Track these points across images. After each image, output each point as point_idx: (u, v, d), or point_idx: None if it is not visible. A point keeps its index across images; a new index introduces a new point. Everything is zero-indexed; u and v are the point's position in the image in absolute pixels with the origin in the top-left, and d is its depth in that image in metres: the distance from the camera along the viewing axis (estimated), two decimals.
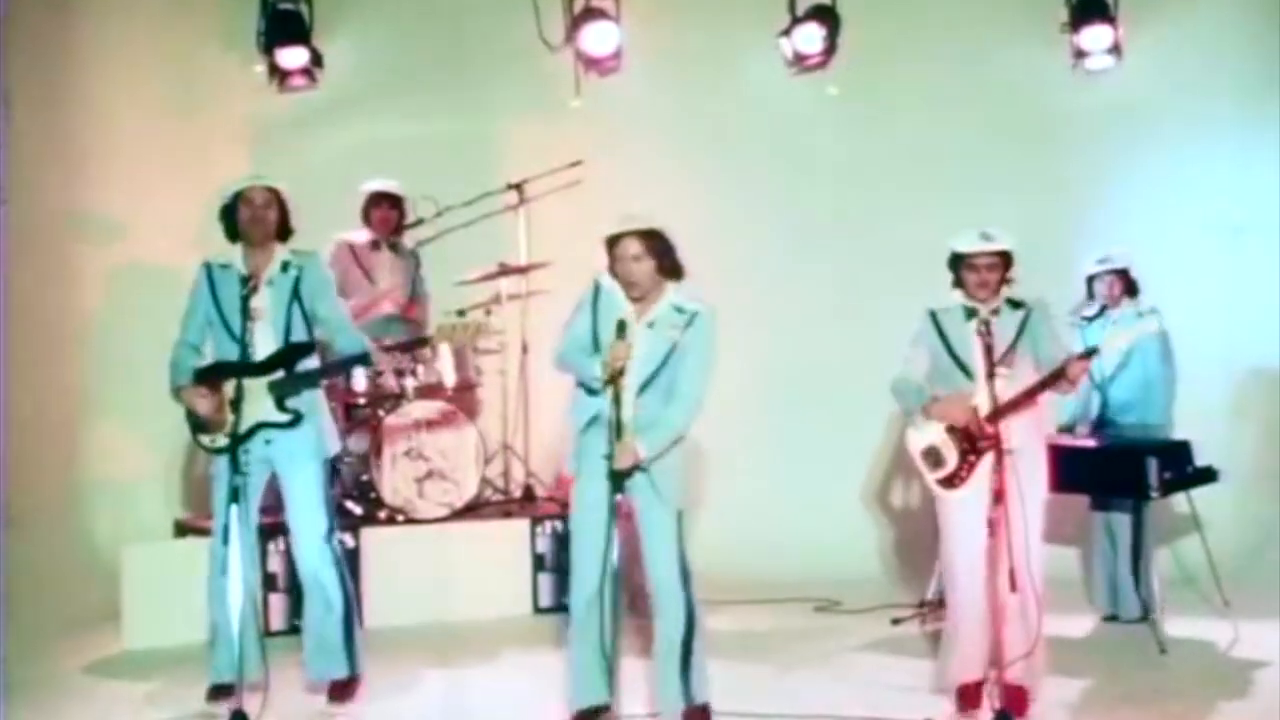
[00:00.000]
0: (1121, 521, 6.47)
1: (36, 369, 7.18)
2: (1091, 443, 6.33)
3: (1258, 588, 6.78)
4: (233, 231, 5.07)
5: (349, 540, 6.59)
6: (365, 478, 6.98)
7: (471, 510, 7.15)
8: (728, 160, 8.38)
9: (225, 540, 4.71)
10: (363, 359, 5.04)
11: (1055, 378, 4.82)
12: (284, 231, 5.10)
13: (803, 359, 8.19)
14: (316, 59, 8.08)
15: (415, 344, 5.55)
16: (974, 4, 8.42)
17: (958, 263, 5.05)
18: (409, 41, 8.31)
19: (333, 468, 5.16)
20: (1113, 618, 6.54)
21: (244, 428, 4.81)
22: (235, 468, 4.72)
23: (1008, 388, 4.82)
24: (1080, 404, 6.68)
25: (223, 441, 4.84)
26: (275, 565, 6.47)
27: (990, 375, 4.77)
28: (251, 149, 8.13)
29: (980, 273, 4.96)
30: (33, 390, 7.06)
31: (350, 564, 6.53)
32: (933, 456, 4.98)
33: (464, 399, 7.41)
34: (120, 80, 7.88)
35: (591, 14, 8.04)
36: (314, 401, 5.07)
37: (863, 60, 8.30)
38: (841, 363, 8.08)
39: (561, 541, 6.91)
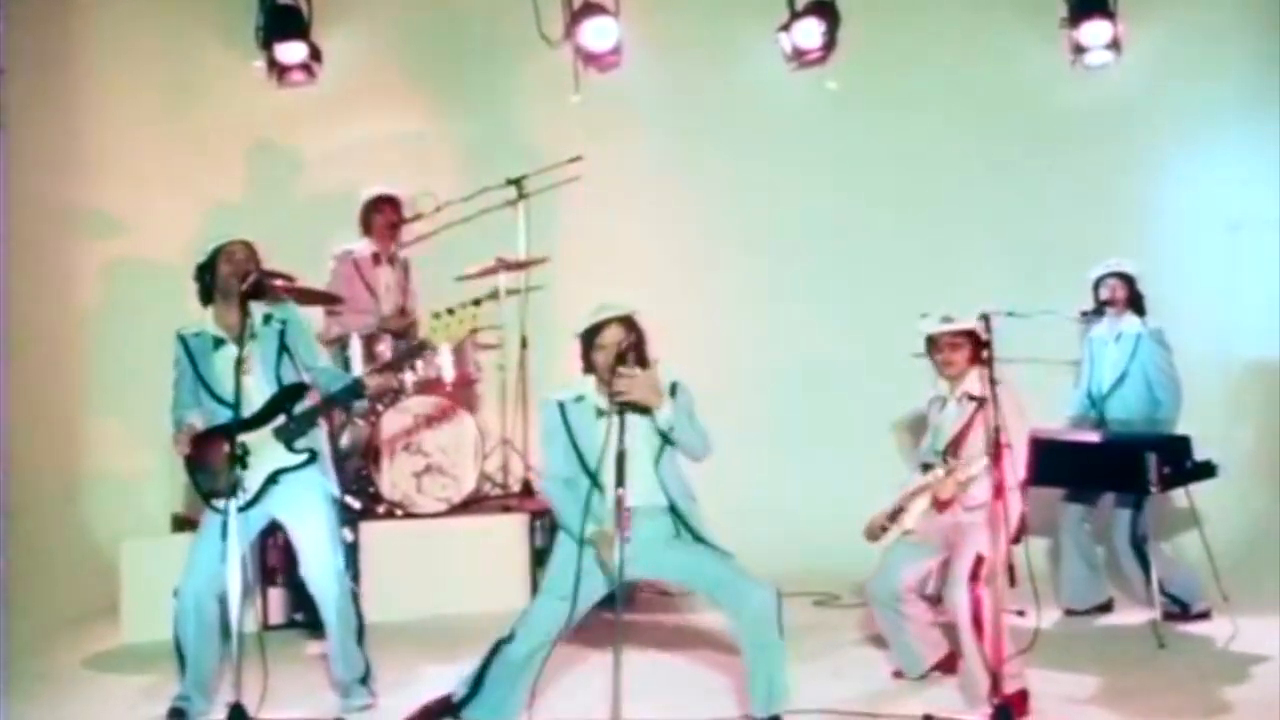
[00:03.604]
0: (1120, 516, 6.45)
1: (36, 365, 7.18)
2: (1091, 438, 6.33)
3: (1256, 582, 6.76)
4: (206, 293, 5.06)
5: (348, 535, 6.59)
6: (364, 472, 6.99)
7: (470, 505, 7.16)
8: (727, 155, 8.39)
9: (224, 536, 4.69)
10: (355, 389, 5.02)
11: (925, 486, 5.27)
12: (259, 289, 5.07)
13: (801, 355, 8.20)
14: (315, 54, 8.09)
15: (411, 353, 5.49)
16: None
17: (930, 346, 5.43)
18: (408, 37, 8.31)
19: (334, 501, 5.15)
20: (1076, 611, 6.56)
21: (259, 481, 4.86)
22: (240, 460, 4.71)
23: (935, 476, 5.29)
24: (1083, 408, 6.72)
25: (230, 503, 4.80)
26: (274, 560, 6.47)
27: (944, 459, 5.33)
28: (250, 145, 8.14)
29: (944, 351, 5.35)
30: (32, 386, 7.07)
31: (349, 559, 6.55)
32: (899, 507, 5.42)
33: (463, 394, 7.42)
34: (119, 76, 7.89)
35: (591, 9, 8.06)
36: (319, 443, 5.07)
37: (862, 55, 8.33)
38: (841, 358, 8.11)
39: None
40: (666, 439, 4.67)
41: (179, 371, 5.05)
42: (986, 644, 4.78)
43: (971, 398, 5.25)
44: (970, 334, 5.25)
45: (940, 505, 5.26)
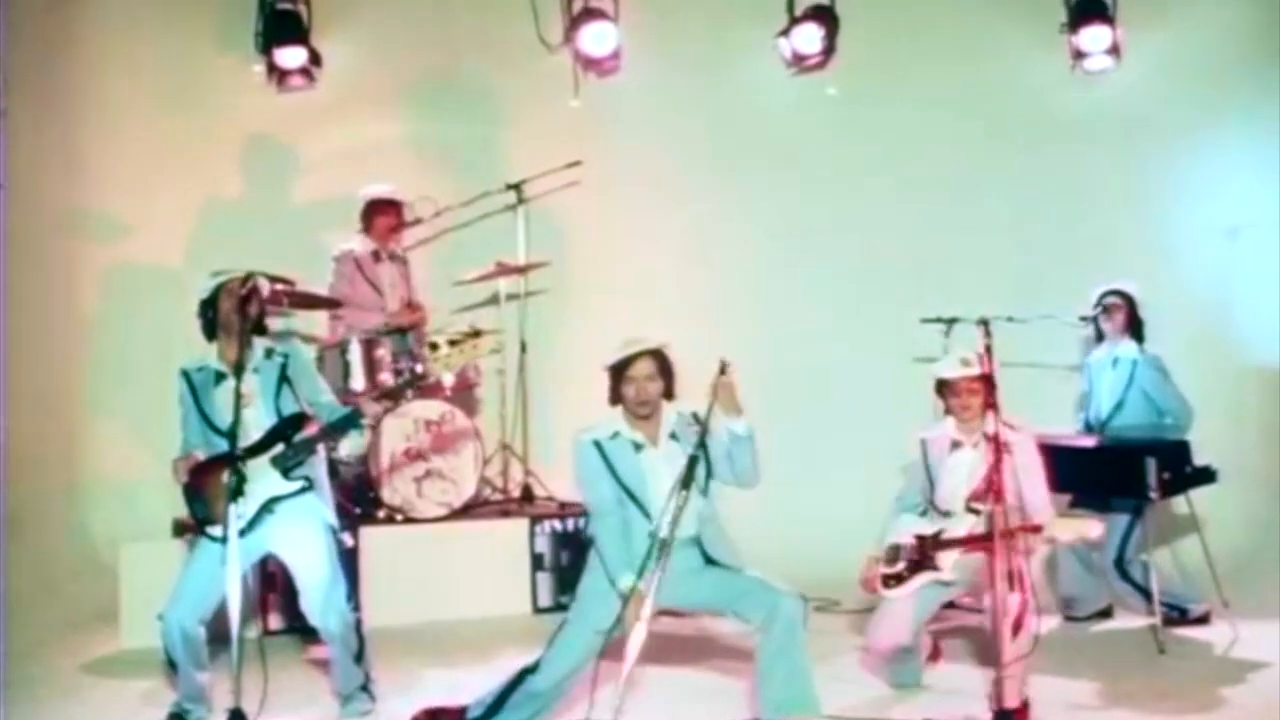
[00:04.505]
0: (1113, 532, 6.43)
1: (36, 369, 7.18)
2: (1090, 443, 6.32)
3: (1257, 587, 6.78)
4: (210, 328, 5.07)
5: (348, 540, 6.58)
6: (364, 477, 6.98)
7: (470, 510, 7.15)
8: (727, 161, 8.40)
9: (222, 561, 4.68)
10: (353, 418, 5.00)
11: (989, 538, 4.94)
12: (261, 325, 5.12)
13: (801, 360, 8.20)
14: (315, 59, 8.08)
15: (409, 384, 5.51)
16: (973, 4, 8.47)
17: (942, 388, 5.33)
18: (407, 42, 8.31)
19: (332, 531, 5.13)
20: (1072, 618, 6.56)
21: (254, 508, 4.83)
22: (237, 487, 4.67)
23: (980, 523, 5.09)
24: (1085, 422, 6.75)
25: (222, 533, 4.77)
26: (275, 565, 6.43)
27: (967, 509, 5.16)
28: (250, 149, 8.14)
29: (961, 396, 5.25)
30: (32, 389, 7.06)
31: (349, 564, 6.54)
32: (894, 552, 5.27)
33: (463, 399, 7.41)
34: (119, 80, 7.89)
35: (590, 14, 8.06)
36: (317, 473, 5.07)
37: (862, 61, 8.35)
38: (840, 363, 8.12)
39: (561, 541, 6.93)
40: (709, 471, 4.68)
41: (184, 408, 5.07)
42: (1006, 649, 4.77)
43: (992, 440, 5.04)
44: (987, 376, 5.12)
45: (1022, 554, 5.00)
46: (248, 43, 8.04)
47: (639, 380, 4.68)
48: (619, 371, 4.72)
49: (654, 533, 4.50)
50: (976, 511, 5.12)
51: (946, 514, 5.25)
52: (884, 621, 5.28)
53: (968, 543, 5.11)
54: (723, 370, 4.51)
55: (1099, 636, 6.37)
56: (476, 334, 5.40)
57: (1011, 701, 4.76)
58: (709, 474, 4.70)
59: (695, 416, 4.71)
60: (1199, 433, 6.33)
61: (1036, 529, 4.95)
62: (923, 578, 5.18)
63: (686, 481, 4.37)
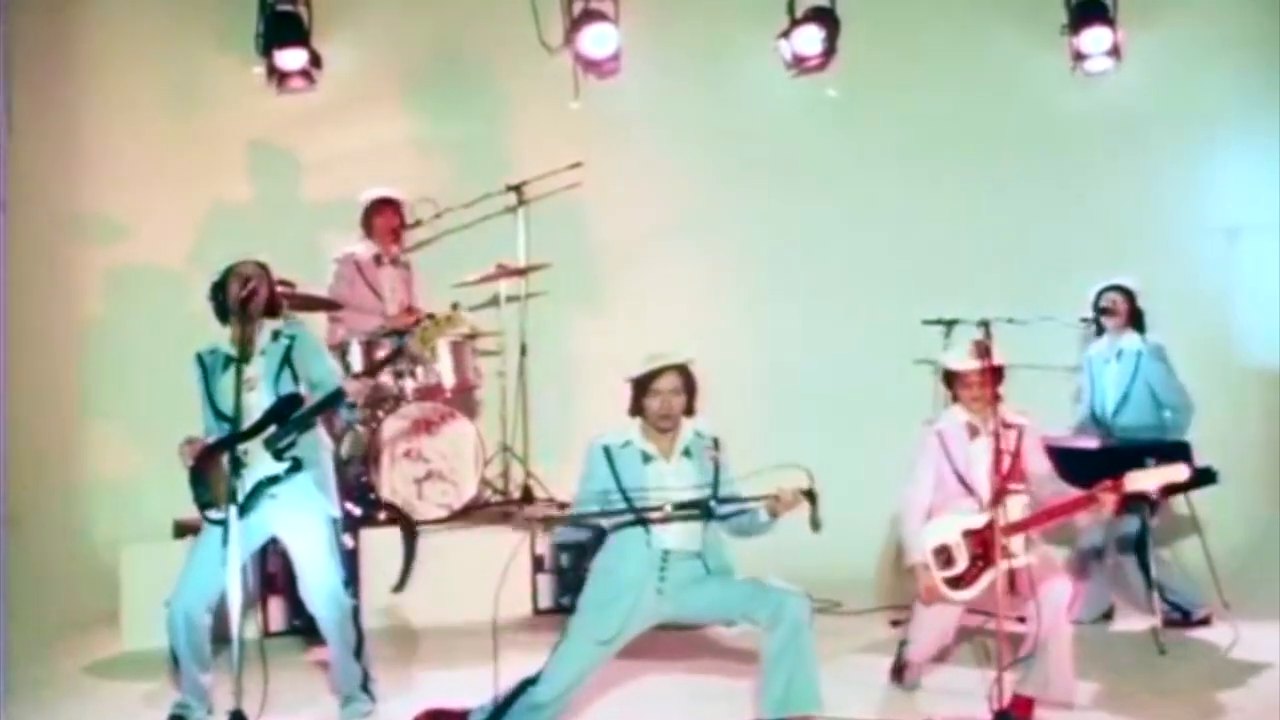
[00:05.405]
0: (1129, 524, 6.42)
1: (36, 369, 7.18)
2: (1091, 443, 6.32)
3: (1257, 589, 6.77)
4: (222, 311, 5.10)
5: (349, 541, 6.58)
6: (364, 479, 6.98)
7: (470, 512, 7.14)
8: (727, 163, 8.39)
9: (223, 546, 4.69)
10: (336, 396, 5.03)
11: (1084, 503, 4.87)
12: (272, 307, 5.15)
13: (801, 360, 8.20)
14: (315, 60, 8.08)
15: (390, 359, 5.53)
16: (974, 6, 8.45)
17: (951, 379, 5.26)
18: (408, 43, 8.32)
19: (333, 521, 5.14)
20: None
21: (246, 490, 4.83)
22: (234, 469, 4.70)
23: (1020, 503, 5.00)
24: (1088, 426, 6.74)
25: (221, 515, 4.80)
26: (274, 565, 6.45)
27: (1003, 492, 4.95)
28: (251, 150, 8.15)
29: (973, 388, 5.16)
30: (33, 390, 7.06)
31: (350, 565, 6.54)
32: (944, 555, 5.07)
33: (463, 400, 7.41)
34: (120, 82, 7.90)
35: (590, 16, 8.06)
36: (314, 454, 5.08)
37: (862, 62, 8.33)
38: (841, 364, 8.10)
39: (561, 544, 6.91)
40: (710, 513, 4.72)
41: (201, 392, 5.09)
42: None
43: (1007, 425, 5.06)
44: (997, 369, 5.07)
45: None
46: (248, 45, 8.03)
47: (664, 394, 4.71)
48: (643, 384, 4.74)
49: (667, 550, 4.66)
50: (1015, 492, 5.00)
51: (978, 501, 5.08)
52: (931, 627, 5.22)
53: (1057, 514, 4.97)
54: (809, 496, 4.53)
55: (1100, 638, 6.35)
56: (454, 306, 5.39)
57: (1070, 694, 4.84)
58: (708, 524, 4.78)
59: (716, 442, 4.81)
60: (1199, 433, 6.33)
61: (1117, 487, 4.74)
62: (1001, 567, 4.90)
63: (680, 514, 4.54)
